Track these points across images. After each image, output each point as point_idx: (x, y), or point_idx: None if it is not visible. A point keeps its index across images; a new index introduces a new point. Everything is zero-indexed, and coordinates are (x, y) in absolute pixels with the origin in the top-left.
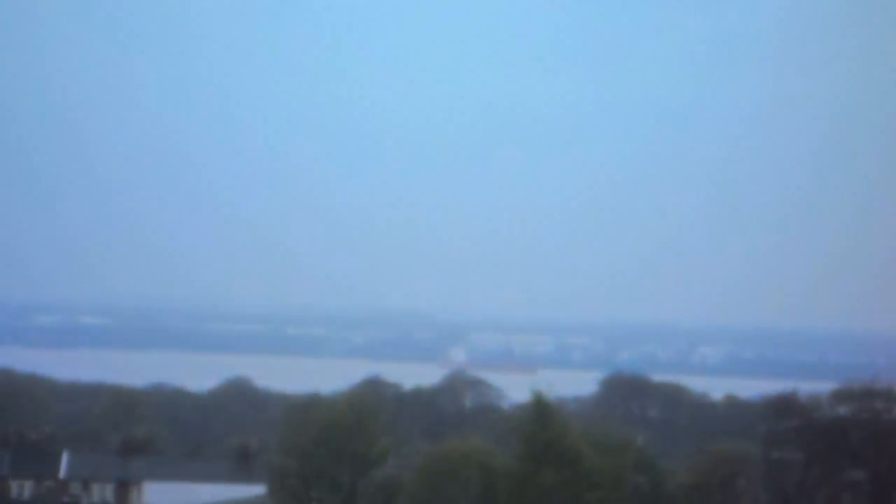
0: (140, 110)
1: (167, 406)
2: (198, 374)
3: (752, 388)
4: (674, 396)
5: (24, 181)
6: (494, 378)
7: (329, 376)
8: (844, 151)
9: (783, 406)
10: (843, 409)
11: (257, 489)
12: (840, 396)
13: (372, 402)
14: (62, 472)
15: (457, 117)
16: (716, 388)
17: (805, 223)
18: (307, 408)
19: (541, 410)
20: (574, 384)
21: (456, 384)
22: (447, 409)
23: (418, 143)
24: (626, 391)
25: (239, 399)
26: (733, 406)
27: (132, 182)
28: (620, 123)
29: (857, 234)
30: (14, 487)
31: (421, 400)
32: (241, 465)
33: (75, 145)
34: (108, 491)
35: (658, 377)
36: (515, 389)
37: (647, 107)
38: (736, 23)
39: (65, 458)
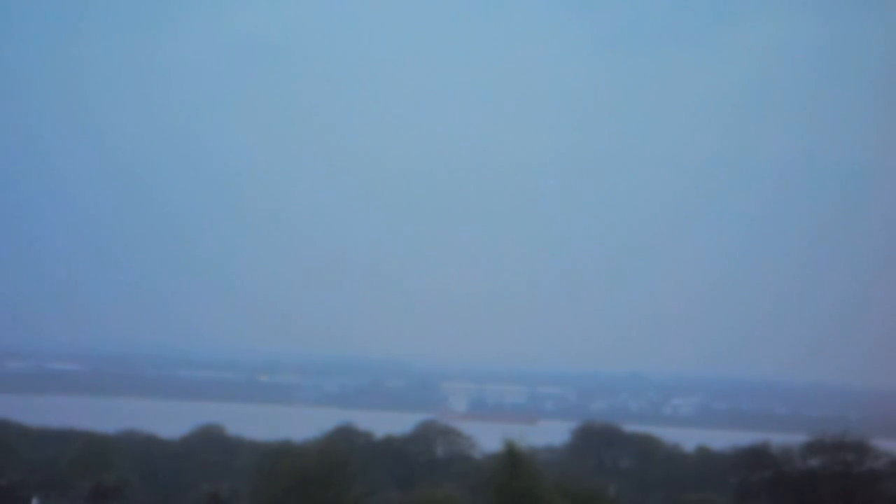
0: (110, 155)
1: (138, 453)
2: (169, 421)
3: (725, 440)
4: (646, 447)
5: None
6: (467, 427)
7: (301, 424)
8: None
9: (755, 458)
10: (814, 462)
11: None
12: (812, 449)
13: (344, 450)
14: None
15: (433, 165)
16: (688, 439)
17: (777, 278)
18: (279, 456)
19: (513, 460)
20: (546, 433)
21: (427, 433)
22: (418, 458)
23: (393, 191)
24: (598, 441)
25: (210, 446)
26: (705, 457)
27: (103, 228)
28: (602, 178)
29: (829, 289)
30: None
31: (392, 448)
32: None
33: (47, 190)
34: None
35: (630, 428)
36: (487, 439)
37: (625, 163)
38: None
39: None
